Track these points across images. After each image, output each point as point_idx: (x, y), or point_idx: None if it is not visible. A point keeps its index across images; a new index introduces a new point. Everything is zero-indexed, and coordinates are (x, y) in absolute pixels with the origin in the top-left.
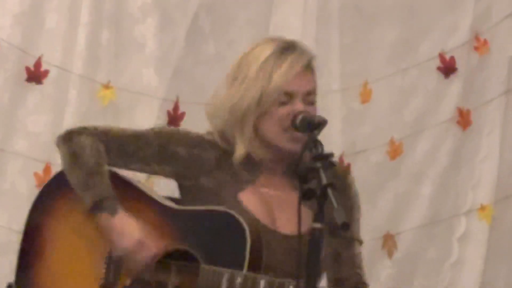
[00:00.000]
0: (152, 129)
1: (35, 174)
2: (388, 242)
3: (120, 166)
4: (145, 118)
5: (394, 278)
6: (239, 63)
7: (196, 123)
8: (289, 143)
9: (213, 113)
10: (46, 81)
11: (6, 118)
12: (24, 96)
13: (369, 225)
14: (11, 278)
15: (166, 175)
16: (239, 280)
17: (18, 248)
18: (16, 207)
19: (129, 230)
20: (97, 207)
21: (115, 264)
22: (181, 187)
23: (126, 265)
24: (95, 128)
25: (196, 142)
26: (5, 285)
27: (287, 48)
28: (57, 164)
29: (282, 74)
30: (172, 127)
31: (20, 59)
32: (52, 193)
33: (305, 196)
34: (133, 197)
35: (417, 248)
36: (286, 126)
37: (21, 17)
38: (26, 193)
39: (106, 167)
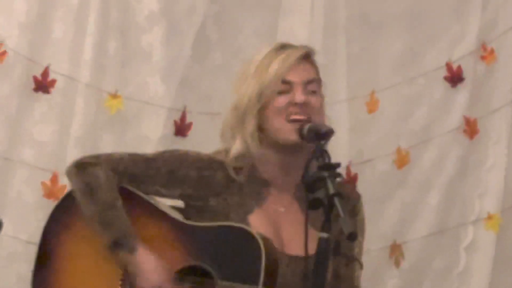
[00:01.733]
0: (162, 154)
1: (42, 183)
2: (395, 251)
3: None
4: (152, 127)
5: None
6: (242, 69)
7: (203, 133)
8: (292, 134)
9: (222, 128)
10: (53, 90)
11: (13, 127)
12: (31, 105)
13: (376, 234)
14: (18, 287)
15: (176, 198)
16: None
17: (33, 265)
18: (23, 217)
19: (149, 271)
20: (115, 245)
21: (130, 282)
22: (189, 207)
23: None
24: (107, 157)
25: (206, 164)
26: None
27: (285, 45)
28: (64, 174)
29: (279, 63)
30: (182, 150)
31: (27, 69)
32: (68, 208)
33: (312, 205)
34: (146, 213)
35: (424, 257)
36: (287, 115)
37: (28, 26)
38: (33, 202)
39: (121, 202)
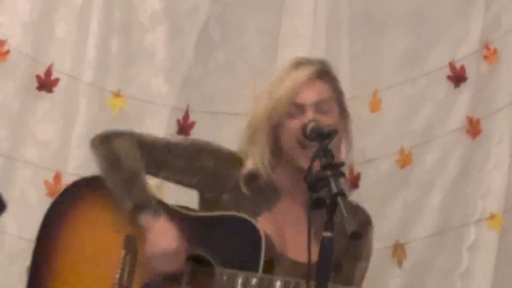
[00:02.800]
0: (185, 140)
1: (45, 182)
2: (398, 251)
3: (149, 173)
4: (155, 126)
5: (404, 287)
6: (260, 87)
7: (206, 132)
8: (305, 161)
9: (239, 142)
10: (56, 89)
11: (16, 126)
12: (34, 104)
13: (379, 234)
14: (20, 287)
15: (191, 186)
16: (254, 281)
17: (32, 252)
18: (26, 216)
19: (169, 235)
20: (140, 208)
21: (129, 268)
22: (202, 199)
23: (153, 264)
24: (131, 134)
25: (226, 158)
26: None
27: (300, 62)
28: (67, 173)
29: (289, 84)
30: (204, 140)
31: (30, 68)
32: (69, 199)
33: (315, 205)
34: None
35: (427, 257)
36: (299, 140)
37: (31, 25)
38: (36, 201)
39: (144, 167)
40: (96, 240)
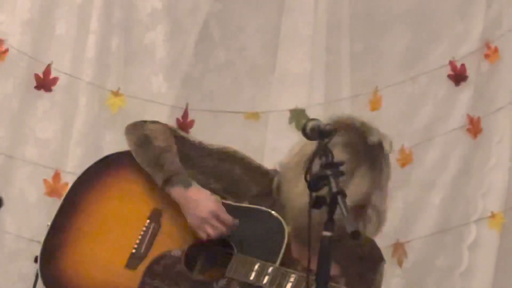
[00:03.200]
0: (217, 145)
1: (44, 181)
2: (398, 250)
3: None
4: None
5: (404, 287)
6: None
7: (205, 131)
8: None
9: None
10: (55, 88)
11: (15, 125)
12: (34, 103)
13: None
14: (19, 285)
15: (213, 190)
16: (270, 270)
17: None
18: (25, 214)
19: (204, 200)
20: (170, 182)
21: (149, 239)
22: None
23: (200, 231)
24: (166, 124)
25: (253, 167)
26: None
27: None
28: (67, 172)
29: None
30: (233, 148)
31: (29, 66)
32: (104, 166)
33: (315, 204)
34: None
35: (427, 257)
36: None
37: (31, 24)
38: (35, 200)
39: (176, 148)
40: (123, 209)
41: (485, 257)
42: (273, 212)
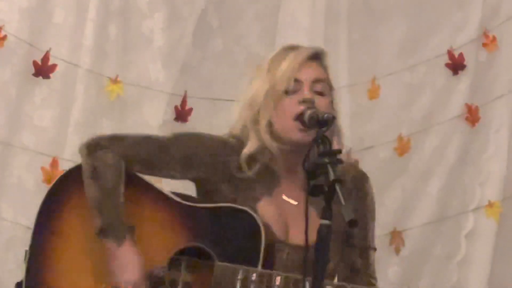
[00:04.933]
0: (176, 139)
1: (42, 168)
2: (396, 238)
3: (148, 174)
4: (153, 113)
5: (402, 275)
6: (256, 68)
7: (204, 118)
8: (299, 133)
9: (236, 123)
10: (53, 75)
11: (13, 112)
12: (32, 90)
13: (377, 222)
14: (16, 273)
15: (189, 179)
16: (254, 276)
17: (29, 244)
18: (23, 202)
19: (131, 268)
20: (105, 233)
21: None
22: (199, 191)
23: None
24: (120, 141)
25: (220, 148)
26: (10, 279)
27: (296, 46)
28: (64, 159)
29: (289, 61)
30: (196, 134)
31: (27, 54)
32: (66, 187)
33: (313, 192)
34: (149, 195)
35: (425, 245)
36: (295, 116)
37: (29, 11)
38: (33, 187)
39: (122, 190)
40: (92, 227)
41: (483, 246)
42: (245, 208)
